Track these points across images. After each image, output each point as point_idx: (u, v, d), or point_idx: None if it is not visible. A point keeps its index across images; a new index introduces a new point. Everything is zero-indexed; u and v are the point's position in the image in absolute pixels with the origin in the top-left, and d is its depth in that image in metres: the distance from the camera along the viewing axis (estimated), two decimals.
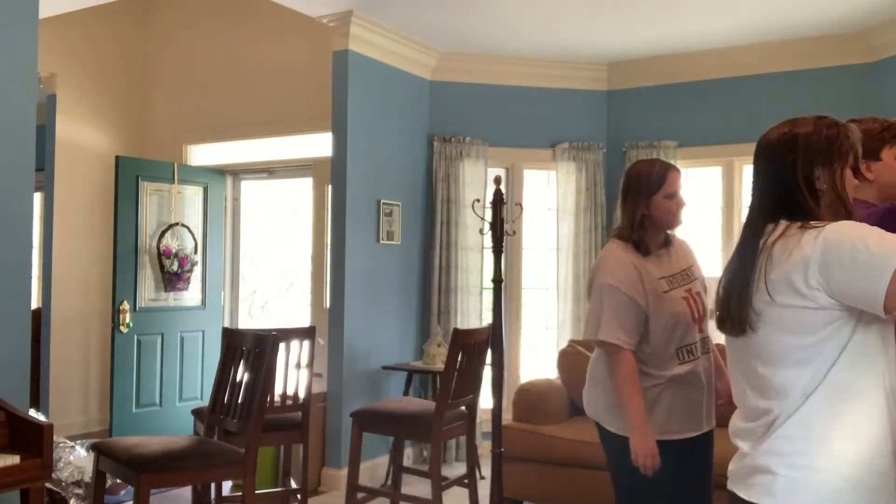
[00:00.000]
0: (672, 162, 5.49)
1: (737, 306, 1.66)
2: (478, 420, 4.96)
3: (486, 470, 4.93)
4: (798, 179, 1.66)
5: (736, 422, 1.74)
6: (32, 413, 3.66)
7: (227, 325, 6.27)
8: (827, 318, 1.55)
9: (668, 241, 2.74)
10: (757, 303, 1.62)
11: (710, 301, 2.15)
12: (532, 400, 4.50)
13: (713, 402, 2.70)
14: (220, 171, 6.23)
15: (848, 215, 1.65)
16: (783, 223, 1.65)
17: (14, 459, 2.54)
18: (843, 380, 1.55)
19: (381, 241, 5.22)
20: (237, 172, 6.31)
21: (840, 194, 1.66)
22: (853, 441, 1.55)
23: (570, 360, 4.77)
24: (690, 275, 2.72)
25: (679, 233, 2.84)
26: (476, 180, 5.65)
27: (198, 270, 6.05)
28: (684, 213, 2.71)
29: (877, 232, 1.53)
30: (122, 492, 4.50)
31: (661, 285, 2.61)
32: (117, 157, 5.70)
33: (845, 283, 1.51)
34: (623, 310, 2.56)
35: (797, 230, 1.61)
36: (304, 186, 6.09)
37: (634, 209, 2.64)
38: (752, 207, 1.74)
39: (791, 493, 1.58)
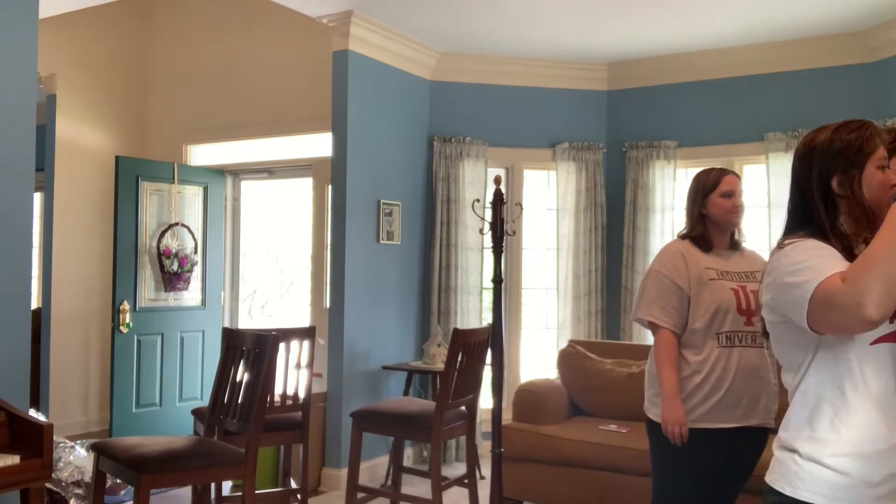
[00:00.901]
0: (672, 162, 5.62)
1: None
2: (478, 420, 4.96)
3: (486, 470, 4.93)
4: (813, 189, 1.70)
5: None
6: (32, 413, 3.66)
7: (227, 325, 6.27)
8: (792, 328, 1.63)
9: (736, 246, 2.87)
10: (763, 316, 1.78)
11: None
12: (532, 400, 4.49)
13: (769, 398, 2.70)
14: (220, 171, 6.23)
15: (867, 220, 1.67)
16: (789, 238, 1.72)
17: (14, 459, 2.54)
18: (814, 385, 1.63)
19: (381, 241, 5.22)
20: (237, 172, 6.31)
21: (858, 199, 1.67)
22: (820, 443, 1.60)
23: (570, 360, 4.78)
24: (750, 277, 2.78)
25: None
26: (476, 180, 5.65)
27: (198, 270, 6.05)
28: (744, 217, 2.86)
29: (817, 256, 1.58)
30: (122, 492, 4.50)
31: (708, 273, 2.75)
32: (117, 157, 5.70)
33: (784, 304, 1.61)
34: (665, 292, 2.76)
35: (776, 250, 1.69)
36: (304, 186, 6.09)
37: (693, 208, 2.85)
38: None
39: (779, 476, 1.65)
